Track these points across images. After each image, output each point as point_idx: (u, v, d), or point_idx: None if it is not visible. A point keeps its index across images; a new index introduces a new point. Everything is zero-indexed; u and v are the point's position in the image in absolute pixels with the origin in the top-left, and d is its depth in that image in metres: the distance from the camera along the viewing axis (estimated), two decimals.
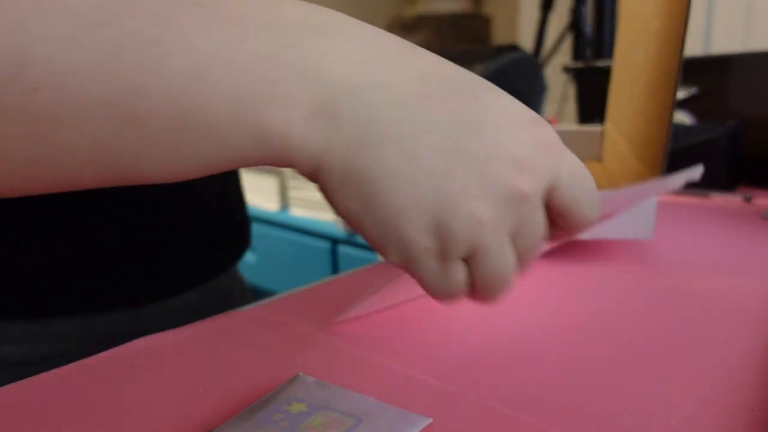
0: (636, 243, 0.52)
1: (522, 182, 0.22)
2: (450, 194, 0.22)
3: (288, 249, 1.39)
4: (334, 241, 1.29)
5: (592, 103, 1.03)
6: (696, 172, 0.36)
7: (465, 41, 2.54)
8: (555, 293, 0.42)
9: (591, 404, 0.27)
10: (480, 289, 0.24)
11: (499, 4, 2.62)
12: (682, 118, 0.85)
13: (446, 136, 0.22)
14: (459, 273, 0.24)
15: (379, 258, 0.92)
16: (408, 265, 0.23)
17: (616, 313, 0.38)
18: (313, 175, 0.22)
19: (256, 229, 1.37)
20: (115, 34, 0.19)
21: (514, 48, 1.29)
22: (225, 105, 0.20)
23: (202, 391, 0.28)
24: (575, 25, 1.46)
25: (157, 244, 0.44)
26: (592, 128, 0.68)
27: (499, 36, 2.62)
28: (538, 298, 0.41)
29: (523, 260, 0.25)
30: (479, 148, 0.22)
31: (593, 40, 1.41)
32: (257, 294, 0.55)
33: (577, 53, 1.47)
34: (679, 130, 0.74)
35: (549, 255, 0.48)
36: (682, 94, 0.82)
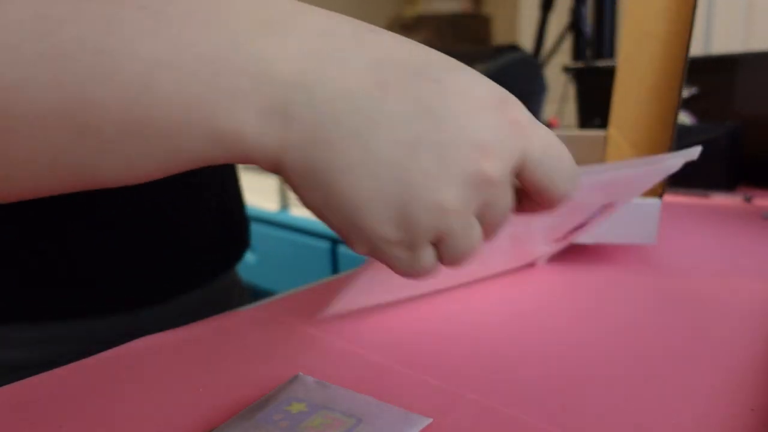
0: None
1: (486, 166, 0.22)
2: (411, 185, 0.21)
3: (288, 249, 1.39)
4: (334, 241, 1.29)
5: (592, 103, 1.03)
6: (694, 152, 0.36)
7: (465, 41, 2.54)
8: (554, 294, 0.42)
9: (591, 404, 0.27)
10: (448, 264, 0.25)
11: (499, 4, 2.62)
12: (683, 118, 0.85)
13: (404, 126, 0.21)
14: (427, 257, 0.24)
15: None
16: (376, 256, 0.24)
17: (616, 314, 0.38)
18: (276, 171, 0.22)
19: (256, 229, 1.36)
20: (59, 43, 0.18)
21: (514, 48, 1.29)
22: (177, 110, 0.20)
23: (202, 391, 0.28)
24: (575, 25, 1.46)
25: (156, 246, 0.44)
26: (595, 133, 0.68)
27: (499, 36, 2.62)
28: (539, 299, 0.41)
29: (489, 232, 0.25)
30: (439, 135, 0.21)
31: (593, 40, 1.41)
32: (257, 294, 0.55)
33: (577, 53, 1.47)
34: (679, 130, 0.74)
35: (551, 260, 0.48)
36: (682, 94, 0.82)
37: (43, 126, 0.19)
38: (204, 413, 0.26)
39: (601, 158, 0.62)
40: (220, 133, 0.21)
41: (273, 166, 0.22)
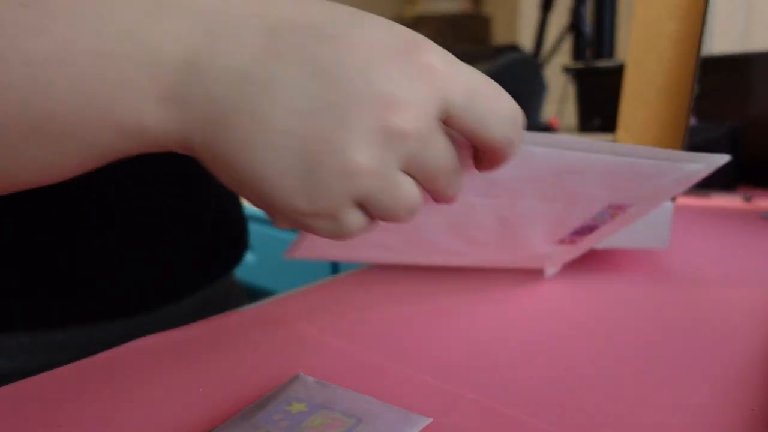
0: None
1: (396, 120, 0.21)
2: (314, 152, 0.20)
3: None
4: None
5: (592, 103, 1.03)
6: (720, 159, 0.33)
7: (465, 41, 2.54)
8: (554, 294, 0.42)
9: (591, 404, 0.27)
10: (384, 220, 0.23)
11: (499, 4, 2.63)
12: None
13: (299, 92, 0.20)
14: (352, 220, 0.23)
15: None
16: (300, 228, 0.23)
17: (615, 315, 0.38)
18: (193, 155, 0.22)
19: (256, 229, 1.36)
20: None
21: (514, 48, 1.29)
22: (75, 108, 0.20)
23: (202, 391, 0.28)
24: (575, 25, 1.46)
25: (155, 251, 0.44)
26: (604, 137, 0.68)
27: (499, 36, 2.62)
28: (539, 299, 0.41)
29: (434, 184, 0.23)
30: (337, 95, 0.20)
31: (593, 40, 1.41)
32: (257, 294, 0.54)
33: (577, 53, 1.47)
34: None
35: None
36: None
37: None
38: (204, 413, 0.26)
39: None
40: (122, 126, 0.20)
41: (187, 150, 0.21)
